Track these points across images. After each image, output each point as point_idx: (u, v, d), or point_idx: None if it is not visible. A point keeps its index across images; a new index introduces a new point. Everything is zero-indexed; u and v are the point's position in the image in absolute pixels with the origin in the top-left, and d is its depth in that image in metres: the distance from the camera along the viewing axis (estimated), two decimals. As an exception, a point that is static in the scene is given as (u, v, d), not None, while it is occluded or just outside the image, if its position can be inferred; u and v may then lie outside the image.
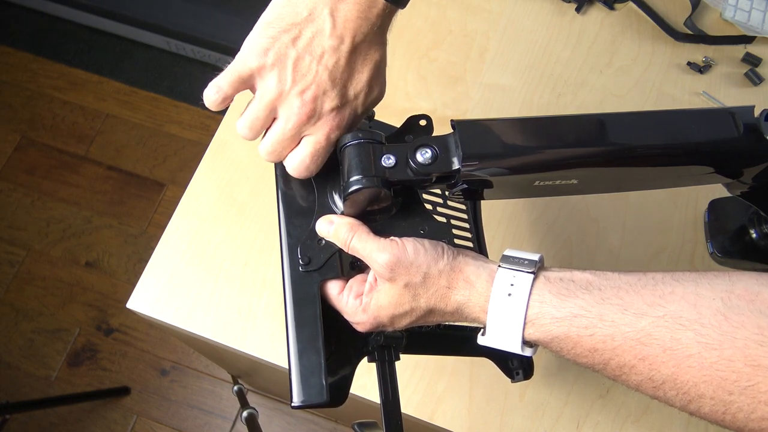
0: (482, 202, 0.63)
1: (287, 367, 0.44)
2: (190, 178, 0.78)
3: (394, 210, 0.47)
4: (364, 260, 0.45)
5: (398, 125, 0.52)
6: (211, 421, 1.51)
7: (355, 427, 0.49)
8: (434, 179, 0.44)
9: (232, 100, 0.46)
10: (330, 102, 0.44)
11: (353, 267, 0.48)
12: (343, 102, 0.45)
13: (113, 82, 1.83)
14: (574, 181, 0.46)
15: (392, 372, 0.50)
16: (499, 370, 0.57)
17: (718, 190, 0.68)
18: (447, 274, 0.43)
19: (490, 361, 0.57)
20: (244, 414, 1.20)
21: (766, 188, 0.52)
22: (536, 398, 0.69)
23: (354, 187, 0.43)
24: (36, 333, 1.58)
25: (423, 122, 0.51)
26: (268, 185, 0.77)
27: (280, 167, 0.48)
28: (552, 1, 0.91)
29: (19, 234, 1.67)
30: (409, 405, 0.68)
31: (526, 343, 0.42)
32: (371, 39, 0.45)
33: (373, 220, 0.47)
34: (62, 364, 1.55)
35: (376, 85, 0.47)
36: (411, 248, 0.43)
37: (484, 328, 0.43)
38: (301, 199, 0.48)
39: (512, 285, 0.41)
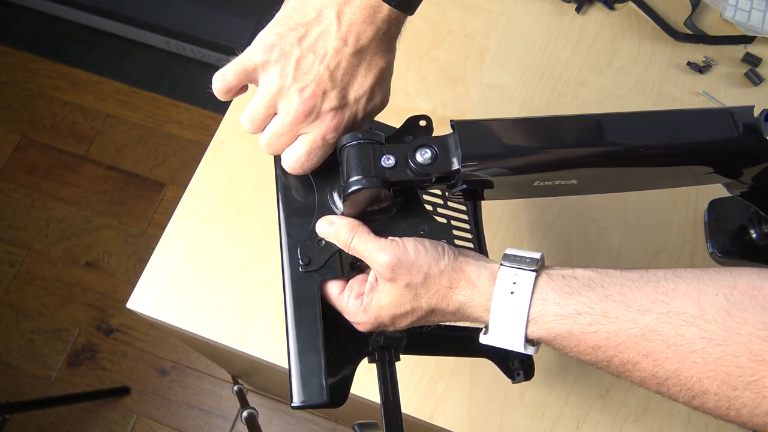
0: (482, 202, 0.63)
1: (287, 367, 0.44)
2: (190, 178, 0.78)
3: (393, 210, 0.47)
4: (364, 261, 0.45)
5: (398, 126, 0.52)
6: (211, 421, 1.51)
7: (356, 427, 0.49)
8: (434, 179, 0.44)
9: (237, 91, 0.46)
10: (329, 102, 0.44)
11: (353, 267, 0.48)
12: (342, 104, 0.45)
13: (113, 82, 1.83)
14: (574, 182, 0.46)
15: (393, 372, 0.50)
16: (500, 370, 0.57)
17: (718, 190, 0.68)
18: (448, 274, 0.43)
19: (490, 361, 0.57)
20: (244, 414, 1.20)
21: (766, 188, 0.52)
22: (536, 398, 0.69)
23: (354, 188, 0.43)
24: (36, 333, 1.58)
25: (423, 123, 0.51)
26: (268, 185, 0.78)
27: (280, 167, 0.48)
28: (552, 1, 0.91)
29: (19, 234, 1.67)
30: (409, 405, 0.68)
31: (528, 341, 0.42)
32: (377, 45, 0.45)
33: (373, 221, 0.47)
34: (62, 364, 1.55)
35: (379, 92, 0.47)
36: (412, 248, 0.43)
37: (486, 327, 0.43)
38: (301, 200, 0.48)
39: (515, 283, 0.41)
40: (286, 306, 0.46)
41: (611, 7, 0.90)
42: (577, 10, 0.90)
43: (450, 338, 0.57)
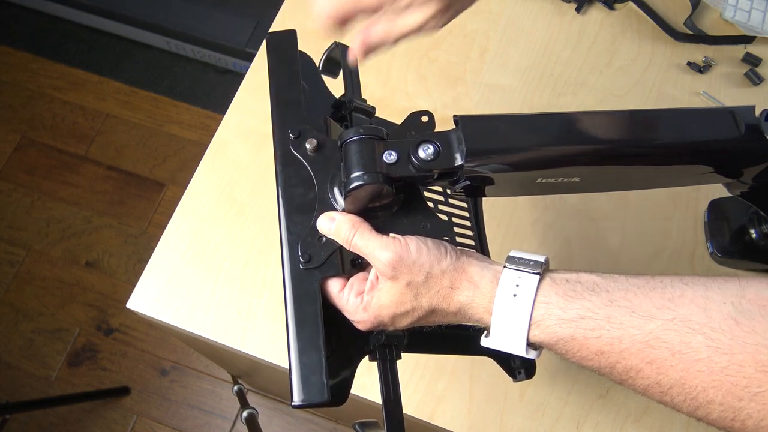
0: (483, 200, 0.63)
1: (287, 366, 0.44)
2: (190, 178, 0.78)
3: (395, 207, 0.47)
4: (365, 258, 0.44)
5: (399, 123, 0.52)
6: (211, 421, 1.51)
7: (356, 426, 0.49)
8: (436, 175, 0.44)
9: None
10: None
11: (354, 264, 0.48)
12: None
13: (113, 82, 1.83)
14: (576, 179, 0.46)
15: (393, 371, 0.50)
16: (500, 370, 0.57)
17: (718, 190, 0.68)
18: (450, 274, 0.43)
19: (490, 361, 0.57)
20: (244, 414, 1.20)
21: (766, 188, 0.52)
22: (536, 398, 0.69)
23: (355, 184, 0.42)
24: (36, 333, 1.58)
25: (425, 118, 0.51)
26: (268, 185, 0.78)
27: (279, 164, 0.48)
28: (552, 1, 0.91)
29: (19, 234, 1.67)
30: (409, 405, 0.68)
31: (530, 345, 0.41)
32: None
33: (374, 217, 0.46)
34: (62, 364, 1.55)
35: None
36: (414, 247, 0.43)
37: (488, 329, 0.42)
38: (301, 196, 0.47)
39: (518, 286, 0.41)
40: (286, 303, 0.45)
41: (611, 7, 0.90)
42: (577, 10, 0.90)
43: (451, 336, 0.57)
